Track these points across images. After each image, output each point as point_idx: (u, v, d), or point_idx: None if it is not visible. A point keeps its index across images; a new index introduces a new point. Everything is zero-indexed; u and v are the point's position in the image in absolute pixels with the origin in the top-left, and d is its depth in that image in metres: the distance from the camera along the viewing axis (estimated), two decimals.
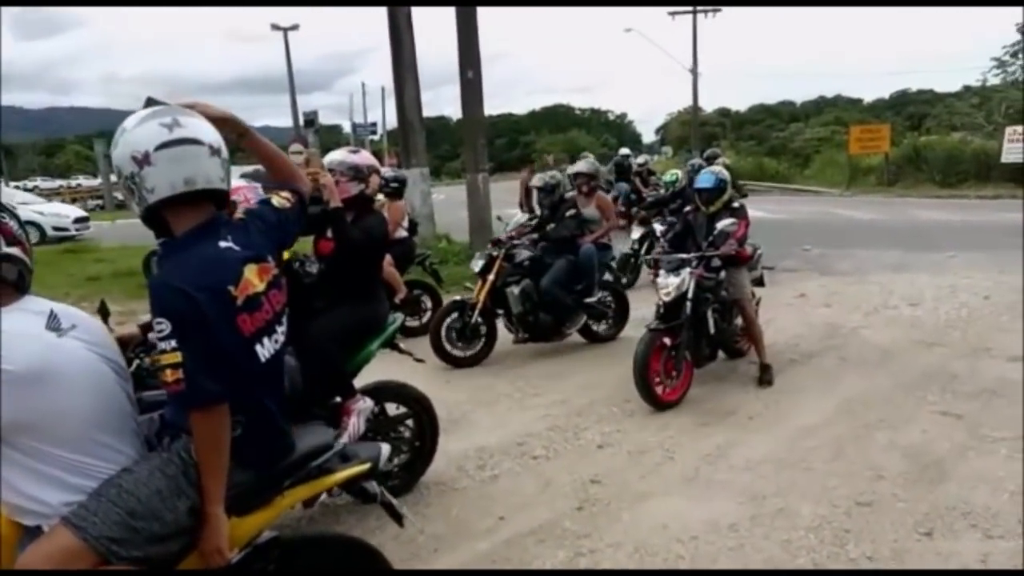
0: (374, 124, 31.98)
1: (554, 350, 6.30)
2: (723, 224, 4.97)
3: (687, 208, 5.53)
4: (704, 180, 5.29)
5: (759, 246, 5.91)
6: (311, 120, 31.34)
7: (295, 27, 31.13)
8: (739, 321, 5.59)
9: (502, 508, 3.54)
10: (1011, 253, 9.98)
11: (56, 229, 17.38)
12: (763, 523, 3.29)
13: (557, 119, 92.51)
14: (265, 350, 1.95)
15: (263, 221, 2.06)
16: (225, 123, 2.04)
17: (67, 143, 71.98)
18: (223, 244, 1.89)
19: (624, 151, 16.39)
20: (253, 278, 1.91)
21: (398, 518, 2.33)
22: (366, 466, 2.15)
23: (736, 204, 5.30)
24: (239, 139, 2.12)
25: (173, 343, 1.73)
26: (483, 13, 10.70)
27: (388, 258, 5.62)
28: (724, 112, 69.70)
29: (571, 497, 3.64)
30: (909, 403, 4.70)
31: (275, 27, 30.83)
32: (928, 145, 23.81)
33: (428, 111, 11.62)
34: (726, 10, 31.70)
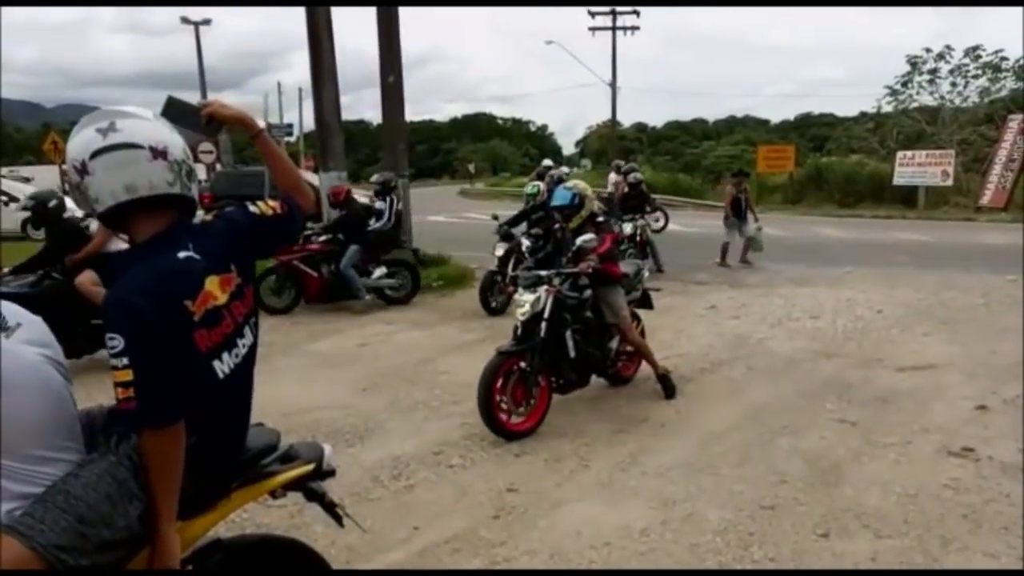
0: (290, 126, 31.00)
1: (471, 359, 6.29)
2: (582, 240, 4.71)
3: (556, 225, 5.27)
4: (559, 197, 5.02)
5: (643, 266, 5.78)
6: None
7: (207, 22, 30.03)
8: (621, 345, 5.31)
9: (417, 518, 3.49)
10: (901, 270, 10.71)
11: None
12: (673, 527, 3.37)
13: (479, 128, 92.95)
14: (224, 365, 1.85)
15: (234, 225, 1.95)
16: (239, 123, 2.04)
17: None
18: (183, 254, 1.77)
19: (547, 162, 16.65)
20: (215, 290, 1.80)
21: (339, 519, 2.32)
22: (310, 467, 2.13)
23: (601, 218, 5.07)
24: (252, 140, 2.12)
25: (125, 360, 1.63)
26: (405, 17, 10.63)
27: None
28: (641, 127, 71.99)
29: (487, 506, 3.62)
30: (810, 410, 4.94)
31: (185, 20, 29.62)
32: (829, 166, 25.31)
33: (347, 114, 11.52)
34: (645, 28, 32.71)
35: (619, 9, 31.81)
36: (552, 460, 4.18)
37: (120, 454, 1.78)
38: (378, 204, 9.02)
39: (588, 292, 4.94)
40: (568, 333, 4.71)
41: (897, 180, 21.63)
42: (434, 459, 4.19)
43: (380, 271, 8.66)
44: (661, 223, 16.06)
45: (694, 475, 3.93)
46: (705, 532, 3.32)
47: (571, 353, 4.71)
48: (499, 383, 4.36)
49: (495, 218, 9.11)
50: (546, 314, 4.55)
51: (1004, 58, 25.37)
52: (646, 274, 5.67)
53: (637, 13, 32.03)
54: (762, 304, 8.53)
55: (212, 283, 1.80)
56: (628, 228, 10.34)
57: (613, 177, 16.56)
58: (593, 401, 5.17)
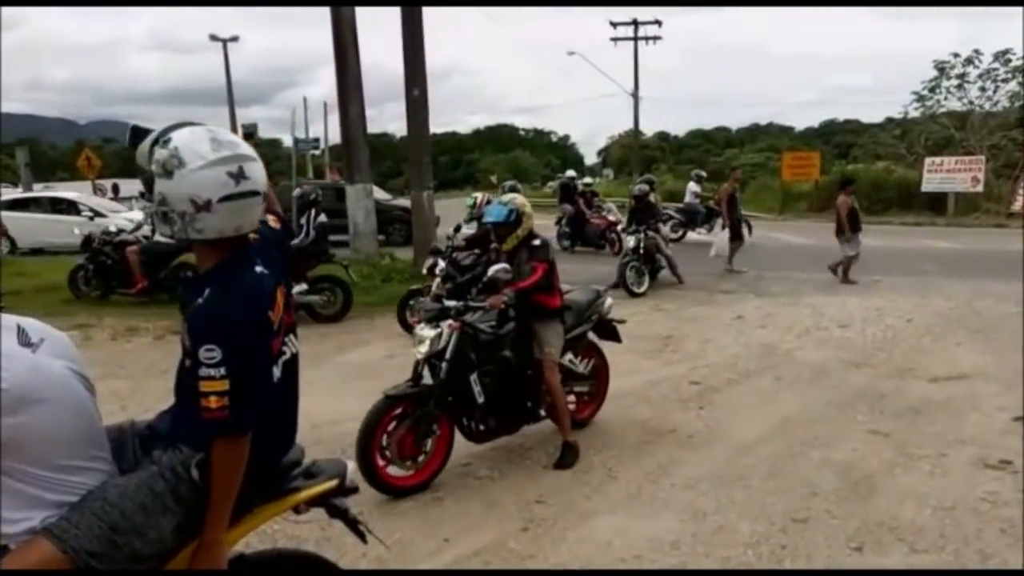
0: (316, 139, 31.45)
1: None
2: (494, 270, 4.14)
3: (492, 244, 4.58)
4: (493, 213, 4.40)
5: (603, 292, 5.12)
6: (250, 133, 30.62)
7: (235, 39, 30.60)
8: (571, 385, 4.74)
9: (447, 530, 3.50)
10: (931, 279, 10.54)
11: (145, 238, 16.46)
12: (704, 540, 3.35)
13: (501, 139, 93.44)
14: (278, 369, 1.95)
15: (268, 241, 2.05)
16: None
17: None
18: (258, 269, 1.88)
19: (570, 173, 16.71)
20: (280, 301, 1.92)
21: (362, 535, 2.32)
22: (333, 483, 2.15)
23: (538, 241, 4.37)
24: None
25: (223, 370, 1.72)
26: (429, 31, 10.74)
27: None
28: (663, 136, 71.75)
29: (516, 518, 3.63)
30: (841, 421, 4.88)
31: (214, 38, 30.22)
32: (855, 173, 24.94)
33: (371, 127, 11.62)
34: (667, 38, 32.71)
35: (640, 19, 31.84)
36: (580, 472, 4.17)
37: (163, 465, 1.83)
38: (303, 220, 8.59)
39: (510, 326, 4.30)
40: (474, 376, 4.04)
41: (926, 187, 21.30)
42: (462, 471, 4.20)
43: (300, 287, 8.13)
44: (680, 233, 16.06)
45: (724, 487, 3.90)
46: (737, 545, 3.30)
47: (478, 399, 4.05)
48: (384, 430, 3.81)
49: (457, 230, 8.19)
50: (448, 354, 3.96)
51: None
52: (608, 302, 5.02)
53: (659, 23, 32.03)
54: (789, 313, 8.45)
55: (279, 294, 1.92)
56: (631, 241, 10.21)
57: (692, 187, 16.65)
58: (618, 412, 5.16)
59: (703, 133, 77.95)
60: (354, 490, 2.24)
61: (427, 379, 4.02)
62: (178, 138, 1.79)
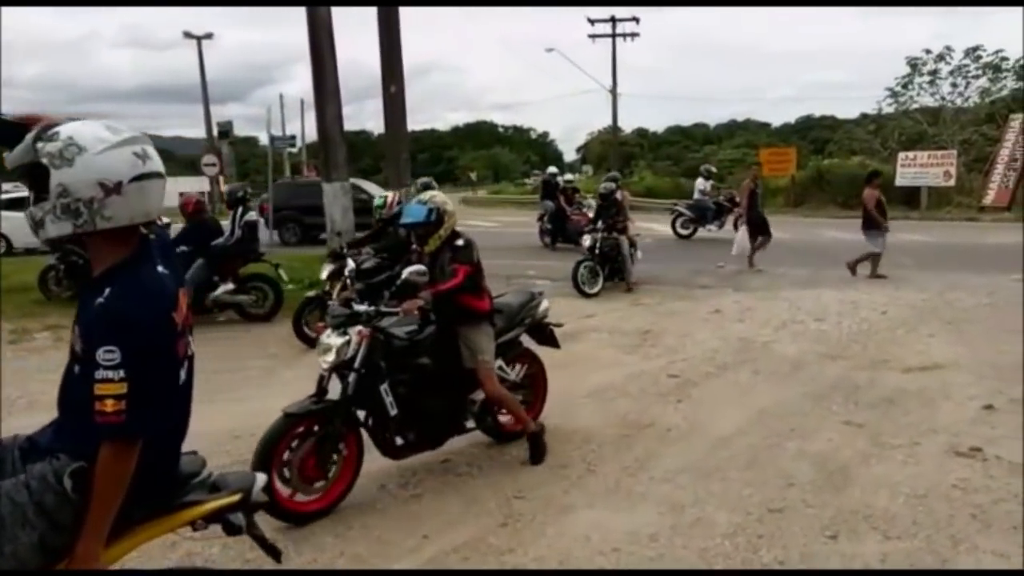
0: (292, 137, 31.22)
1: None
2: (409, 272, 3.80)
3: (413, 246, 4.32)
4: (412, 212, 4.07)
5: (540, 293, 4.86)
6: (226, 131, 30.50)
7: (209, 35, 30.27)
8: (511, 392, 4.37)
9: (425, 527, 3.49)
10: (904, 272, 10.70)
11: None
12: (682, 532, 3.37)
13: (480, 136, 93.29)
14: (184, 371, 1.90)
15: (163, 241, 2.00)
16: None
17: None
18: (160, 269, 1.82)
19: (552, 169, 16.68)
20: (183, 302, 1.86)
21: (274, 553, 2.17)
22: (236, 497, 2.01)
23: (461, 242, 4.06)
24: None
25: (121, 373, 1.64)
26: (406, 28, 10.70)
27: None
28: (642, 133, 72.05)
29: (495, 513, 3.62)
30: (816, 413, 4.93)
31: (188, 35, 29.86)
32: (830, 168, 25.30)
33: (349, 125, 11.54)
34: (645, 35, 32.85)
35: (618, 16, 31.94)
36: (558, 466, 4.18)
37: (32, 475, 1.72)
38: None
39: (429, 330, 4.02)
40: (385, 386, 3.74)
41: (899, 181, 21.60)
42: (441, 467, 4.19)
43: (226, 287, 8.15)
44: (691, 229, 16.12)
45: (702, 479, 3.93)
46: (714, 536, 3.32)
47: (391, 411, 3.75)
48: (283, 451, 3.48)
49: (338, 235, 7.92)
50: (356, 363, 3.64)
51: (1004, 58, 25.46)
52: (545, 305, 4.74)
53: (637, 20, 32.16)
54: (767, 307, 8.53)
55: (182, 296, 1.86)
56: (587, 240, 9.94)
57: (701, 183, 16.38)
58: (598, 406, 5.18)
59: (682, 129, 78.49)
60: (261, 505, 2.13)
61: (335, 393, 3.69)
62: (68, 128, 1.72)
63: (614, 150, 34.75)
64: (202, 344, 2.24)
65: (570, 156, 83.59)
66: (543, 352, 4.84)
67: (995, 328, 7.12)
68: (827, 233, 16.85)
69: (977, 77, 25.67)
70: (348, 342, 3.64)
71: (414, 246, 4.32)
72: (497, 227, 20.92)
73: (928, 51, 26.15)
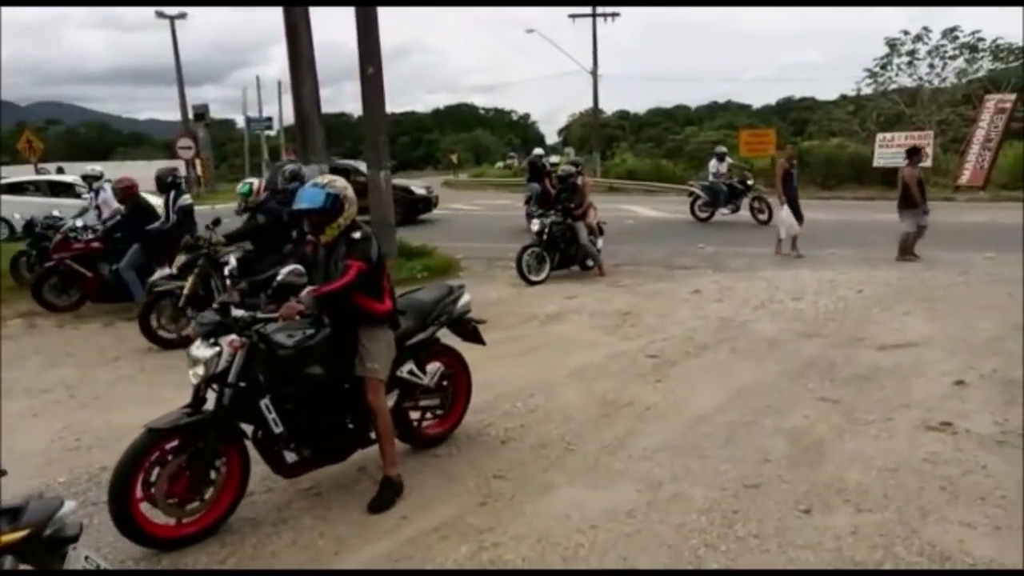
0: (269, 119, 30.86)
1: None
2: (285, 273, 3.36)
3: (308, 236, 3.77)
4: (307, 198, 3.52)
5: (460, 287, 4.47)
6: (201, 114, 30.00)
7: (182, 15, 29.67)
8: (418, 398, 4.12)
9: (404, 507, 3.50)
10: (881, 250, 10.82)
11: None
12: (659, 508, 3.41)
13: (461, 118, 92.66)
14: None
15: None
16: None
17: None
18: None
19: (538, 151, 16.44)
20: None
21: None
22: (19, 534, 1.82)
23: (358, 234, 3.57)
24: None
25: None
26: (383, 8, 10.55)
27: None
28: (624, 114, 71.91)
29: (474, 493, 3.65)
30: (793, 390, 5.00)
31: (160, 15, 29.24)
32: (810, 150, 25.40)
33: (328, 107, 11.38)
34: (625, 15, 32.69)
35: (600, 10, 31.71)
36: (539, 445, 4.20)
37: None
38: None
39: (322, 336, 3.52)
40: (266, 402, 3.33)
41: (877, 162, 21.78)
42: (421, 448, 4.20)
43: (163, 272, 7.63)
44: (708, 212, 15.55)
45: (680, 456, 3.97)
46: (691, 512, 3.37)
47: (275, 428, 3.36)
48: (149, 470, 3.11)
49: (216, 223, 7.05)
50: (231, 376, 3.26)
51: (980, 39, 25.63)
52: (466, 299, 4.38)
53: (617, 14, 31.94)
54: (745, 287, 8.59)
55: None
56: (535, 225, 9.59)
57: (714, 165, 15.54)
58: (578, 386, 5.20)
59: (663, 111, 78.39)
60: (72, 539, 1.96)
61: (212, 403, 3.33)
62: None
63: (595, 132, 34.68)
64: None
65: (552, 138, 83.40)
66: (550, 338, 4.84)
67: (968, 306, 7.24)
68: (806, 214, 16.92)
69: (954, 58, 25.85)
70: (219, 353, 3.23)
71: (297, 236, 3.82)
72: (480, 210, 20.84)
73: (906, 32, 26.29)
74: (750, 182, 15.10)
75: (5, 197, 14.33)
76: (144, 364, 6.09)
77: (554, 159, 16.25)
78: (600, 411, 4.72)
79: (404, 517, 3.42)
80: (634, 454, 4.04)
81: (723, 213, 15.30)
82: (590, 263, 9.93)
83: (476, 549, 3.13)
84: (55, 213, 9.41)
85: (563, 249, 9.71)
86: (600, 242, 10.13)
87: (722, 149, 16.45)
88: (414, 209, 17.32)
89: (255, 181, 7.03)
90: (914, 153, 10.69)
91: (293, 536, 3.28)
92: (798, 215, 10.97)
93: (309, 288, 3.40)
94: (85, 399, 5.24)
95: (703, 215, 15.72)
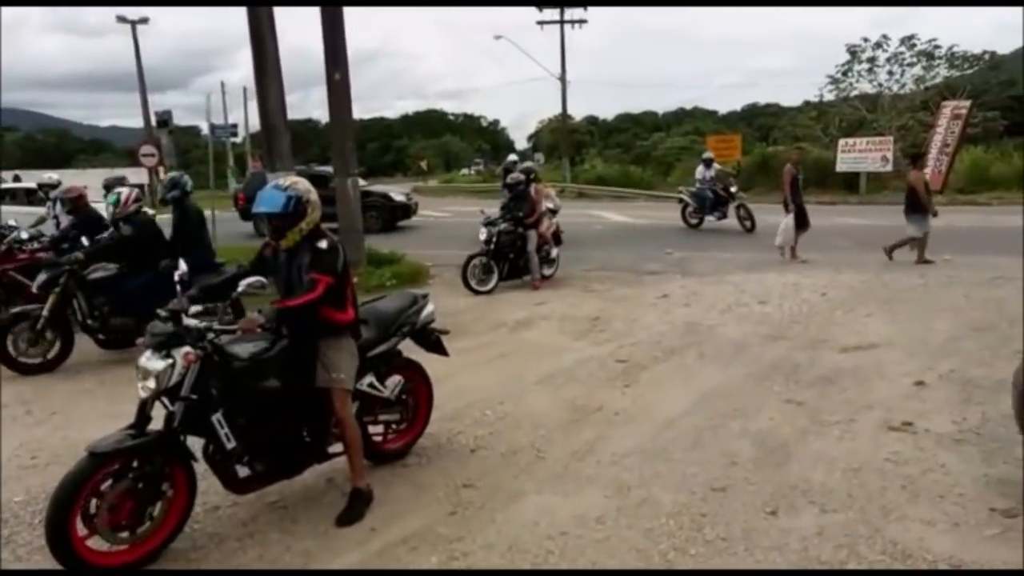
0: (235, 126, 30.32)
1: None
2: (247, 284, 3.33)
3: (265, 242, 3.63)
4: (267, 201, 3.36)
5: (424, 296, 4.35)
6: (164, 120, 29.51)
7: (144, 20, 29.16)
8: (379, 411, 4.03)
9: (373, 519, 3.46)
10: (844, 255, 11.04)
11: None
12: (628, 514, 3.43)
13: (430, 124, 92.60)
14: None
15: None
16: None
17: None
18: None
19: (512, 157, 16.20)
20: None
21: None
22: None
23: (324, 243, 3.42)
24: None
25: None
26: (350, 12, 10.51)
27: None
28: (592, 120, 72.45)
29: (444, 502, 3.62)
30: (759, 393, 5.06)
31: (121, 19, 28.71)
32: (775, 155, 25.85)
33: (295, 113, 11.30)
34: (593, 21, 32.96)
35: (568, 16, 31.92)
36: (508, 453, 4.20)
37: None
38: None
39: (279, 346, 3.41)
40: (218, 417, 3.20)
41: (840, 167, 22.26)
42: (381, 463, 4.15)
43: None
44: (697, 220, 15.36)
45: (648, 461, 4.00)
46: (659, 516, 3.39)
47: (227, 443, 3.22)
48: (90, 495, 2.94)
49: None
50: (183, 390, 3.11)
51: (937, 46, 26.35)
52: (429, 308, 4.27)
53: (585, 6, 32.20)
54: (712, 292, 8.70)
55: None
56: (483, 234, 9.34)
57: (700, 171, 15.19)
58: (547, 392, 5.21)
59: (631, 117, 79.17)
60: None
61: (159, 422, 3.17)
62: None
63: (564, 138, 34.86)
64: None
65: (521, 144, 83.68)
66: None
67: (926, 308, 7.42)
68: (770, 219, 17.21)
69: (912, 65, 26.54)
70: (172, 366, 3.07)
71: (265, 240, 3.59)
72: (450, 216, 20.81)
73: (866, 39, 26.93)
74: (733, 189, 14.81)
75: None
76: (104, 377, 5.94)
77: (528, 165, 15.95)
78: (569, 417, 4.73)
79: (372, 529, 3.38)
80: (603, 459, 4.06)
81: (710, 220, 15.17)
82: (549, 271, 9.76)
83: (446, 559, 3.11)
84: (10, 223, 9.15)
85: (512, 259, 9.48)
86: (555, 251, 10.01)
87: (709, 155, 16.10)
88: (393, 216, 17.24)
89: (124, 191, 6.62)
90: (918, 158, 10.79)
91: (259, 551, 3.23)
92: (805, 221, 10.92)
93: (273, 301, 3.30)
94: (42, 415, 5.09)
95: (693, 221, 15.50)
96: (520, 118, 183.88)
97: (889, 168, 21.79)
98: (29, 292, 7.58)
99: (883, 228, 13.86)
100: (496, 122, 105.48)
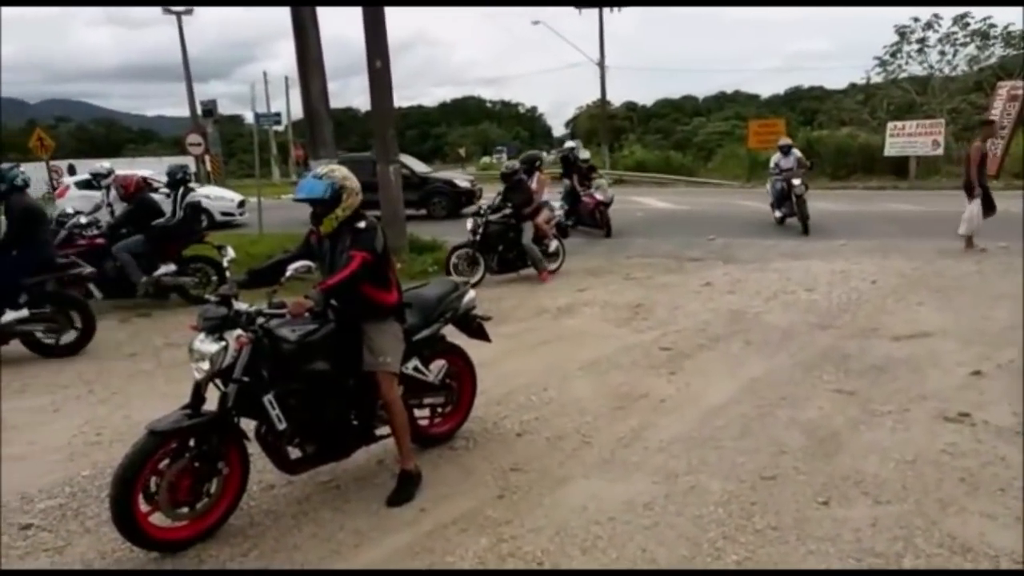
0: (278, 114, 30.92)
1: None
2: (294, 268, 3.39)
3: (310, 229, 3.69)
4: (307, 188, 3.51)
5: (465, 283, 4.46)
6: (210, 110, 30.09)
7: (189, 11, 29.71)
8: (424, 395, 4.09)
9: (423, 500, 3.52)
10: (893, 241, 10.76)
11: (223, 214, 16.83)
12: (676, 500, 3.42)
13: (468, 111, 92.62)
14: None
15: None
16: None
17: None
18: None
19: (569, 143, 15.36)
20: None
21: None
22: None
23: (363, 224, 3.52)
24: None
25: None
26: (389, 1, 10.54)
27: None
28: (631, 106, 71.58)
29: (492, 485, 3.66)
30: (807, 382, 4.98)
31: (168, 11, 29.32)
32: (820, 140, 25.25)
33: (336, 102, 11.38)
34: (630, 6, 32.47)
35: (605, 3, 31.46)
36: (554, 438, 4.22)
37: None
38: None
39: (326, 330, 3.49)
40: (269, 398, 3.29)
41: (888, 151, 21.61)
42: (427, 446, 4.21)
43: (167, 268, 8.05)
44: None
45: (695, 448, 3.98)
46: (708, 504, 3.37)
47: (278, 424, 3.31)
48: (151, 473, 3.06)
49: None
50: (236, 372, 3.20)
51: (992, 25, 25.31)
52: (471, 295, 4.33)
53: (624, 4, 31.69)
54: (757, 279, 8.57)
55: None
56: (469, 224, 9.11)
57: (776, 159, 12.99)
58: (591, 379, 5.21)
59: (671, 102, 78.03)
60: None
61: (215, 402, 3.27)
62: None
63: (603, 124, 34.55)
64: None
65: (559, 130, 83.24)
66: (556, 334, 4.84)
67: (982, 295, 7.19)
68: (816, 204, 16.87)
69: (965, 45, 25.54)
70: (225, 348, 3.16)
71: (311, 228, 3.65)
72: (488, 203, 20.80)
73: (916, 19, 26.01)
74: (796, 181, 12.27)
75: (81, 192, 14.69)
76: (160, 359, 6.14)
77: (586, 154, 14.78)
78: (614, 404, 4.73)
79: (422, 510, 3.44)
80: (650, 446, 4.05)
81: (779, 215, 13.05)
82: (552, 265, 9.39)
83: (495, 541, 3.15)
84: (68, 210, 9.47)
85: (502, 251, 9.11)
86: (554, 244, 9.55)
87: (786, 141, 13.53)
88: (458, 202, 16.93)
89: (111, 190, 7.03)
90: (986, 125, 10.43)
91: (314, 529, 3.31)
92: (991, 204, 9.60)
93: (316, 284, 3.37)
94: (104, 394, 5.29)
95: (777, 215, 13.11)
96: (558, 105, 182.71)
97: (940, 152, 21.10)
98: (88, 276, 7.89)
99: (934, 214, 13.50)
100: (534, 108, 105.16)
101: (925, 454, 3.77)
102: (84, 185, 14.91)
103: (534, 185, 9.63)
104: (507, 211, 9.15)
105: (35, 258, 6.25)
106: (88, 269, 7.02)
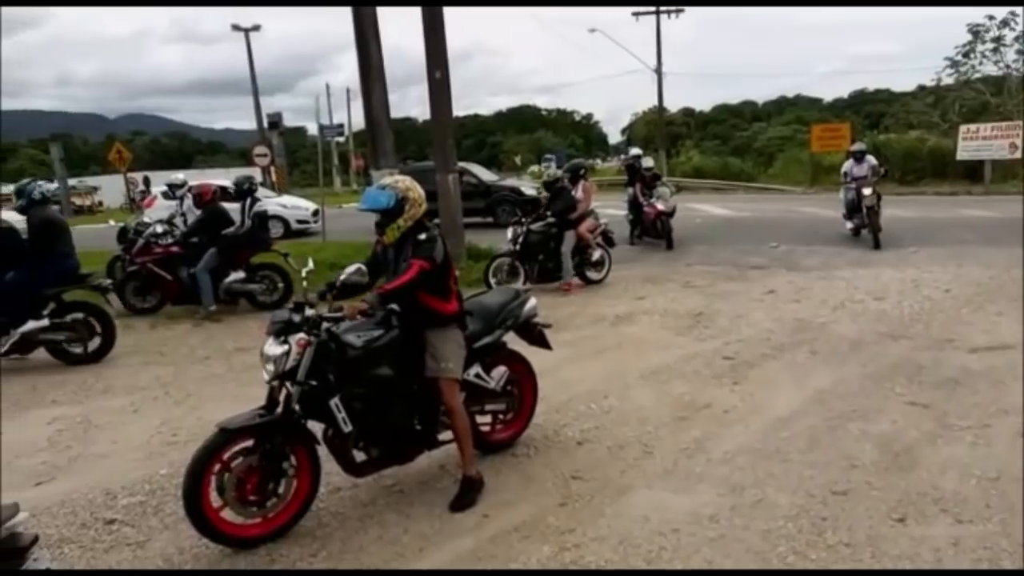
0: (341, 125, 31.71)
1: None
2: (348, 272, 3.51)
3: (376, 239, 3.79)
4: (370, 199, 3.61)
5: (526, 291, 4.54)
6: (275, 122, 31.05)
7: (256, 27, 30.80)
8: (485, 402, 4.10)
9: (485, 506, 3.54)
10: (968, 248, 10.31)
11: (299, 222, 17.32)
12: (743, 514, 3.34)
13: (524, 120, 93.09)
14: None
15: None
16: None
17: (20, 147, 70.27)
18: None
19: (634, 151, 15.08)
20: None
21: None
22: None
23: (424, 236, 3.56)
24: None
25: None
26: (448, 11, 10.69)
27: None
28: (688, 112, 70.64)
29: (553, 493, 3.66)
30: (879, 394, 4.81)
31: (236, 27, 30.45)
32: (887, 143, 24.40)
33: (394, 112, 11.50)
34: (689, 11, 32.10)
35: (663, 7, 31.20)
36: (615, 447, 4.19)
37: None
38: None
39: (390, 336, 3.57)
40: (335, 401, 3.39)
41: (961, 155, 20.74)
42: (489, 452, 4.22)
43: (236, 275, 8.38)
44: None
45: (761, 461, 3.89)
46: (776, 518, 3.29)
47: (344, 427, 3.42)
48: (221, 469, 3.18)
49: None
50: (299, 375, 3.28)
51: None
52: (532, 303, 4.33)
53: (681, 10, 31.33)
54: (823, 287, 8.33)
55: None
56: (508, 233, 8.98)
57: (848, 167, 11.84)
58: (653, 388, 5.15)
59: (729, 107, 76.74)
60: (19, 550, 1.94)
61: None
62: None
63: (660, 130, 34.22)
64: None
65: (615, 138, 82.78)
66: (607, 342, 4.82)
67: None
68: (884, 210, 16.25)
69: None
70: (287, 352, 3.26)
71: (377, 238, 3.74)
72: None
73: (991, 17, 24.92)
74: (867, 191, 11.11)
75: (168, 203, 15.42)
76: (231, 363, 6.35)
77: (649, 162, 14.18)
78: (676, 413, 4.66)
79: (485, 516, 3.46)
80: (713, 457, 3.98)
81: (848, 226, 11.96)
82: (596, 275, 9.22)
83: (557, 550, 3.14)
84: (144, 219, 9.91)
85: (542, 260, 8.95)
86: (598, 253, 9.29)
87: (860, 146, 12.43)
88: (524, 210, 17.12)
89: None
90: None
91: (379, 531, 3.37)
92: None
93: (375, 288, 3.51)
94: (179, 396, 5.51)
95: (849, 226, 11.95)
96: (614, 111, 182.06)
97: (1018, 155, 20.12)
98: (165, 283, 8.28)
99: (1012, 220, 12.87)
100: (589, 116, 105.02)
101: (1009, 471, 3.59)
102: (167, 196, 15.55)
103: (579, 193, 9.51)
104: (549, 219, 9.06)
105: (56, 269, 6.40)
106: (107, 281, 7.27)
